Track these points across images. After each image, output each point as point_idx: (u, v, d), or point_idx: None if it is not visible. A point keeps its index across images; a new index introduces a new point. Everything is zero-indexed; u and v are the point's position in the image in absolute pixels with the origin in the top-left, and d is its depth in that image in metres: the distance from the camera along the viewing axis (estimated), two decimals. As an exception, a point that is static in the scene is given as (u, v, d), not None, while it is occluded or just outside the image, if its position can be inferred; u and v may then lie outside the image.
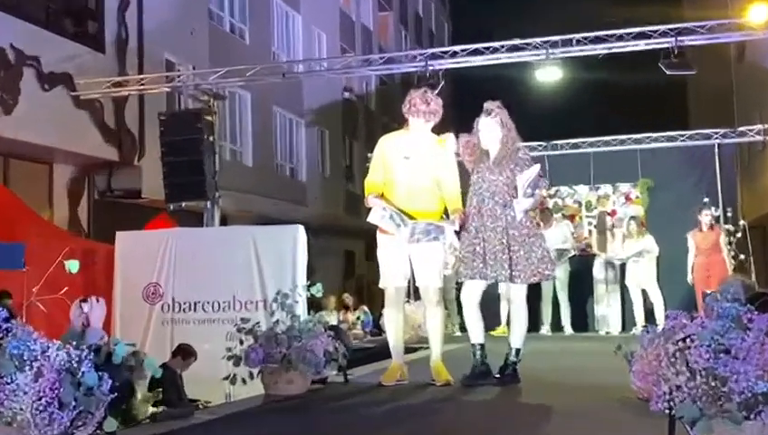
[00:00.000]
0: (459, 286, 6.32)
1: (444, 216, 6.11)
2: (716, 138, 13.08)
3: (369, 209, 5.98)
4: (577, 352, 9.14)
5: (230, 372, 5.97)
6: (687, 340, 3.06)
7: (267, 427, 4.70)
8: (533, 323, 7.65)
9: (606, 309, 12.23)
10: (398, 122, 6.54)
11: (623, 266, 11.96)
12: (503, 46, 10.89)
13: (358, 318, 15.20)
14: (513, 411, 5.02)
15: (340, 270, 24.08)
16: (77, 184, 13.62)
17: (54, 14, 13.22)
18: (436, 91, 7.11)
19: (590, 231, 13.14)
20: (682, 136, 13.48)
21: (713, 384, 2.93)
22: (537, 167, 5.77)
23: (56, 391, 3.18)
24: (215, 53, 16.63)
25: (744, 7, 11.95)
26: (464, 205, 5.99)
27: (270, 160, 20.42)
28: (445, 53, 11.25)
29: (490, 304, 6.19)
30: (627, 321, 12.02)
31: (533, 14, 30.82)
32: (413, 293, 9.45)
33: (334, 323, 11.79)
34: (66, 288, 8.08)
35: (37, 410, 3.13)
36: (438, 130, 6.15)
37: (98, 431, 3.47)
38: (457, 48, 11.18)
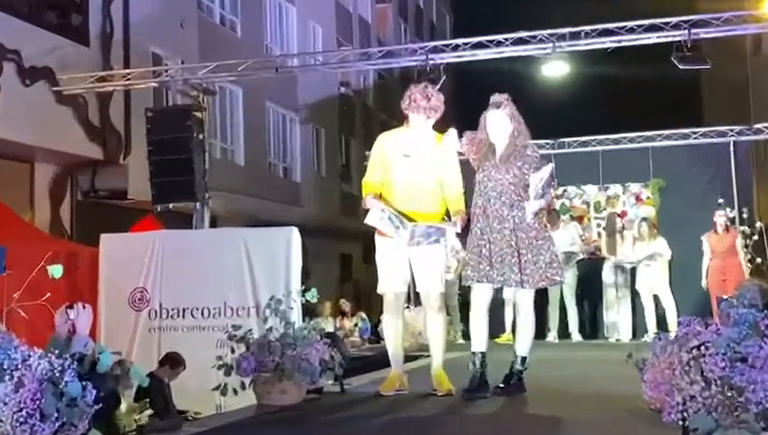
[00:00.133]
0: (464, 291, 6.06)
1: (445, 217, 5.98)
2: (731, 135, 13.00)
3: (367, 211, 5.91)
4: (585, 360, 9.06)
5: (221, 381, 5.91)
6: (702, 347, 3.06)
7: (260, 439, 4.68)
8: (540, 330, 7.81)
9: (616, 315, 12.09)
10: (398, 119, 6.40)
11: (634, 270, 11.82)
12: (507, 39, 10.70)
13: (355, 325, 15.26)
14: (519, 423, 4.99)
15: (337, 274, 23.98)
16: (59, 184, 13.41)
17: (36, 5, 12.91)
18: (438, 87, 6.88)
19: (599, 233, 13.05)
20: (695, 134, 13.40)
21: (728, 394, 2.92)
22: (551, 166, 5.69)
23: (38, 402, 3.21)
24: (204, 46, 16.37)
25: (761, -2, 11.92)
26: (467, 204, 5.89)
27: (263, 159, 20.22)
28: (446, 46, 11.10)
29: (494, 311, 6.27)
30: (638, 327, 11.86)
31: (539, 5, 30.48)
32: (413, 298, 9.30)
33: (330, 330, 11.84)
34: (49, 294, 7.85)
35: (18, 422, 3.16)
36: (439, 126, 6.05)
37: (81, 444, 3.46)
38: (460, 41, 11.01)
